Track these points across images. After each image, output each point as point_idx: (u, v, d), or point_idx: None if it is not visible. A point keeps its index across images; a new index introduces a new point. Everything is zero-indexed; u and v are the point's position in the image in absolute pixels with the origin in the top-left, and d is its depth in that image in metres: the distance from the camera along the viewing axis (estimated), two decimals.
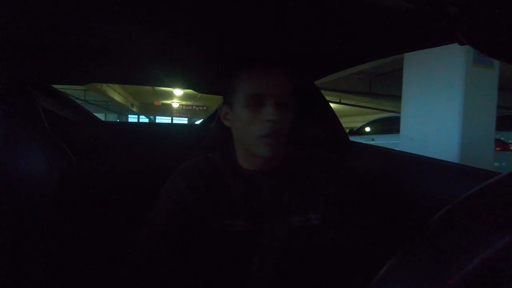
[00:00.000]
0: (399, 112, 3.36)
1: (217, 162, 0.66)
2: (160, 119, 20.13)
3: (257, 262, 0.59)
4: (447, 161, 0.76)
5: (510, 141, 3.94)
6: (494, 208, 0.22)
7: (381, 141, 5.23)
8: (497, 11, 0.28)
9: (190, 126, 1.31)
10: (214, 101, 11.98)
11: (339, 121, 1.09)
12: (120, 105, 12.78)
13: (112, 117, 17.62)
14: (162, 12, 0.50)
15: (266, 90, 0.58)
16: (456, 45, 0.42)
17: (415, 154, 0.86)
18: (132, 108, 15.08)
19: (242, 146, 0.63)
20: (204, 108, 16.82)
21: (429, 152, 2.61)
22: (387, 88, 7.49)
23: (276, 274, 0.59)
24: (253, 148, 0.60)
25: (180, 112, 17.84)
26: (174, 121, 18.84)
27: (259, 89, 0.58)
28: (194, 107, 16.45)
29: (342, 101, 9.21)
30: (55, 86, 1.10)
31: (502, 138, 3.84)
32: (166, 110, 18.08)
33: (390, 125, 5.38)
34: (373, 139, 5.47)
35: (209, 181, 0.62)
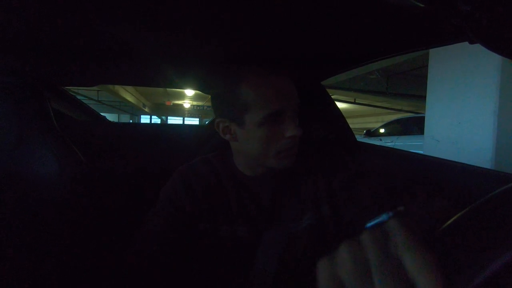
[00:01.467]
0: (417, 112, 3.21)
1: (216, 164, 0.66)
2: (172, 120, 20.42)
3: (255, 268, 0.58)
4: (459, 162, 0.75)
5: None
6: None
7: (401, 142, 5.05)
8: (508, 10, 0.28)
9: (198, 126, 1.36)
10: None
11: (345, 121, 1.11)
12: (133, 106, 13.03)
13: (125, 118, 17.98)
14: (170, 13, 0.50)
15: (285, 105, 0.55)
16: None
17: (423, 155, 0.86)
18: (144, 109, 15.38)
19: (249, 159, 0.61)
20: None
21: (459, 156, 2.44)
22: (405, 87, 7.29)
23: (275, 280, 0.57)
24: (268, 162, 0.58)
25: (192, 113, 18.01)
26: (186, 122, 19.05)
27: (278, 105, 0.54)
28: (205, 107, 16.53)
29: (357, 101, 9.06)
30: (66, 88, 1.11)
31: None
32: (178, 111, 18.32)
33: (411, 126, 5.20)
34: (390, 141, 5.28)
35: (207, 184, 0.62)
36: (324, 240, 0.61)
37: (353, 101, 8.95)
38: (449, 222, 0.23)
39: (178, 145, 1.13)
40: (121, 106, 13.97)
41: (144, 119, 18.70)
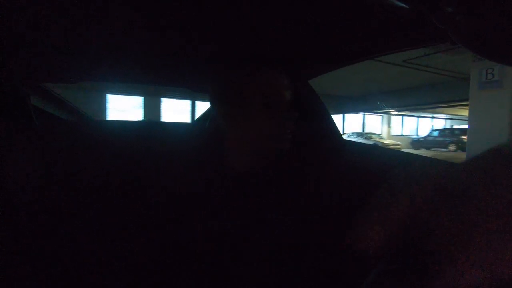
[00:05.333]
0: None
1: (206, 161, 0.67)
2: None
3: (243, 262, 0.60)
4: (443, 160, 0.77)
5: None
6: None
7: None
8: (490, 12, 0.28)
9: (185, 125, 1.28)
10: None
11: (333, 119, 1.14)
12: None
13: None
14: (157, 10, 0.51)
15: (277, 95, 0.61)
16: None
17: (410, 153, 0.88)
18: None
19: (242, 147, 0.64)
20: None
21: None
22: None
23: (262, 274, 0.59)
24: (261, 147, 0.62)
25: None
26: None
27: (271, 94, 0.61)
28: None
29: None
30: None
31: None
32: None
33: None
34: None
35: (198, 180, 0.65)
36: (311, 237, 0.62)
37: None
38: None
39: (164, 143, 1.13)
40: None
41: None
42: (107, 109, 10.39)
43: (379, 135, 14.60)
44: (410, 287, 0.24)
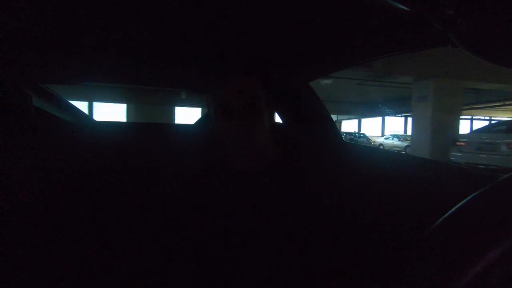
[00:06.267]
0: None
1: (207, 161, 0.70)
2: None
3: (244, 262, 0.60)
4: (443, 162, 0.81)
5: None
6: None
7: None
8: (490, 14, 0.28)
9: (186, 126, 1.32)
10: None
11: (333, 121, 1.15)
12: None
13: None
14: (158, 11, 0.51)
15: (232, 99, 0.61)
16: None
17: (410, 155, 0.85)
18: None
19: (233, 147, 0.66)
20: None
21: None
22: None
23: (264, 274, 0.59)
24: (232, 151, 0.65)
25: None
26: None
27: (225, 99, 0.62)
28: None
29: None
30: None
31: None
32: None
33: None
34: None
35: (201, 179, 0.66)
36: (312, 236, 0.62)
37: None
38: (437, 223, 0.24)
39: (165, 144, 1.10)
40: None
41: None
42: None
43: None
44: None
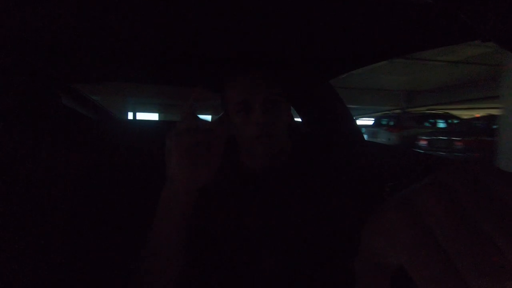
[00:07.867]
0: None
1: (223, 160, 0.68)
2: None
3: (260, 262, 0.59)
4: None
5: None
6: None
7: None
8: None
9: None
10: None
11: (354, 120, 1.12)
12: None
13: None
14: (175, 10, 0.51)
15: (251, 96, 0.61)
16: None
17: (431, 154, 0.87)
18: None
19: (244, 147, 0.66)
20: None
21: None
22: None
23: (281, 273, 0.58)
24: (250, 149, 0.64)
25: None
26: None
27: (244, 96, 0.61)
28: None
29: None
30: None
31: None
32: None
33: None
34: None
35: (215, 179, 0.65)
36: (328, 238, 0.61)
37: None
38: None
39: None
40: None
41: None
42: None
43: None
44: None
